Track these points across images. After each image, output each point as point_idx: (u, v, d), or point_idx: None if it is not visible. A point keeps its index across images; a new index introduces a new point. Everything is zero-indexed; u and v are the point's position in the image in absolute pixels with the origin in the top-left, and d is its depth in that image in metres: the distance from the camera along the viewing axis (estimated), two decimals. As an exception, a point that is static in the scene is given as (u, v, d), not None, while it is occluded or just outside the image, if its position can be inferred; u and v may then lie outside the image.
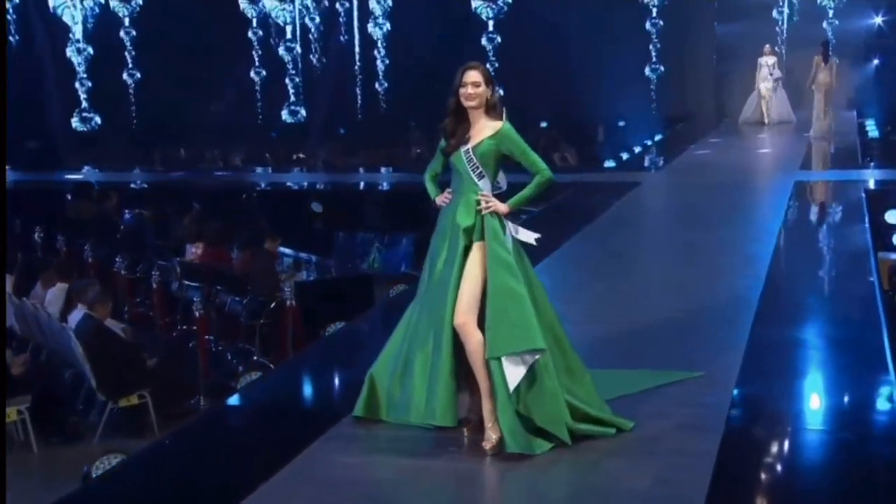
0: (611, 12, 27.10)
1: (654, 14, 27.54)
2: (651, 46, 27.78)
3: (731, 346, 7.94)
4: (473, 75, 6.25)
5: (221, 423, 7.45)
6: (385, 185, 21.05)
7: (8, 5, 28.18)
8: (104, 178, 23.40)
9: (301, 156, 25.99)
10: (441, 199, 6.45)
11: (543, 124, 25.86)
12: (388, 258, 17.55)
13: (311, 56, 29.91)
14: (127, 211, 19.30)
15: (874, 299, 9.38)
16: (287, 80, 29.13)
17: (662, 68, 27.89)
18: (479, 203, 6.25)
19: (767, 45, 25.82)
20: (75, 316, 11.23)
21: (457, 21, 27.34)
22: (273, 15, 28.66)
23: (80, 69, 27.84)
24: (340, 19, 30.15)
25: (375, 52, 29.52)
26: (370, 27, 29.11)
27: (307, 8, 29.07)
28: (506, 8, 26.37)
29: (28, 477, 9.66)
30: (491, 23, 26.73)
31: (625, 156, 22.56)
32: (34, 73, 28.04)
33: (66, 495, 6.11)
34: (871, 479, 5.82)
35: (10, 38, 28.62)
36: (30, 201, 19.55)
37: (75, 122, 27.94)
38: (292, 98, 29.16)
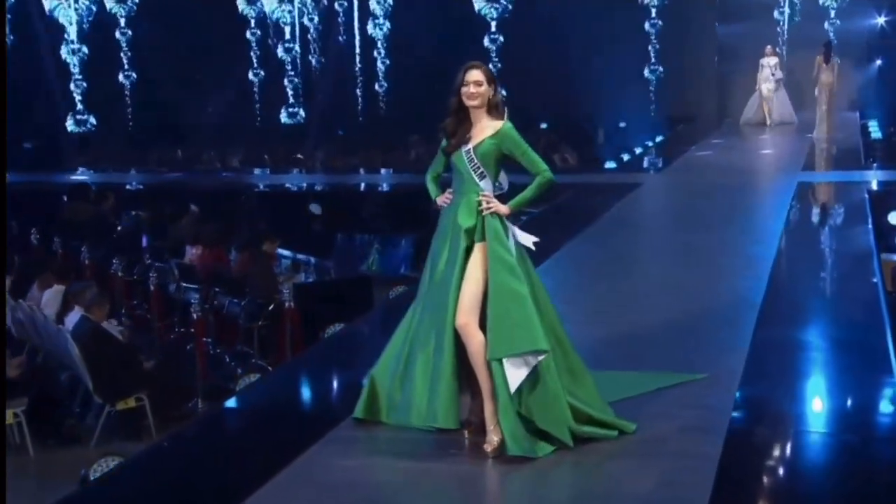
0: (612, 13, 27.07)
1: (655, 15, 27.50)
2: (651, 47, 27.75)
3: (734, 348, 7.92)
4: (476, 74, 6.23)
5: (220, 425, 7.43)
6: (384, 187, 21.00)
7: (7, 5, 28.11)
8: (101, 179, 23.32)
9: (300, 156, 25.93)
10: (442, 200, 6.42)
11: (543, 125, 25.81)
12: (388, 260, 17.50)
13: (309, 57, 29.85)
14: (133, 212, 19.21)
15: (877, 301, 9.35)
16: (286, 81, 29.07)
17: (661, 69, 27.86)
18: (480, 204, 6.22)
19: (769, 46, 25.76)
20: (72, 318, 11.19)
21: (457, 22, 27.31)
22: (272, 15, 28.58)
23: (76, 70, 27.76)
24: (339, 19, 30.08)
25: (375, 52, 29.47)
26: (370, 27, 29.06)
27: (306, 7, 28.96)
28: (510, 7, 26.30)
29: (25, 480, 9.60)
30: (493, 23, 26.66)
31: (626, 157, 22.52)
32: (30, 73, 27.94)
33: (64, 497, 6.09)
34: (875, 482, 5.80)
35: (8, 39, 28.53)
36: (26, 203, 19.47)
37: (70, 124, 27.85)
38: (291, 99, 29.10)
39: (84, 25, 27.57)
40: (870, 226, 13.00)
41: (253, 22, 29.12)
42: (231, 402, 7.71)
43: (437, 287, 6.24)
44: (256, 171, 24.24)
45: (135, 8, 27.92)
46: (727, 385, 7.11)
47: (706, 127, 27.41)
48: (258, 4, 28.46)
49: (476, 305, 6.08)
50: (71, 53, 27.56)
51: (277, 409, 7.39)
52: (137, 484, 6.30)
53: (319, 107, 29.51)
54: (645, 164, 21.80)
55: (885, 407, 7.08)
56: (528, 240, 6.37)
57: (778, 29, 28.45)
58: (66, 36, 27.62)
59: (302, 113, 29.28)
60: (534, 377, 5.98)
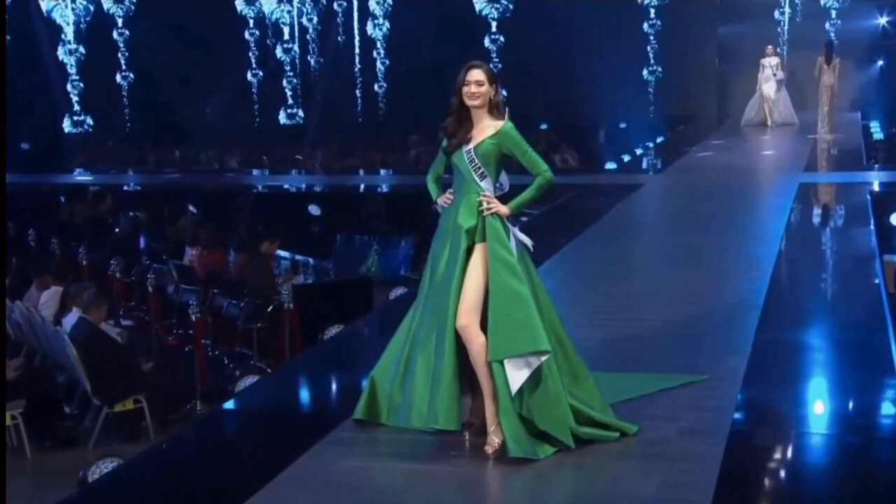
0: (612, 13, 27.03)
1: (656, 16, 27.46)
2: (652, 48, 27.72)
3: (736, 349, 7.91)
4: (477, 74, 6.20)
5: (219, 427, 7.41)
6: (384, 188, 20.96)
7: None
8: (98, 180, 23.27)
9: (299, 157, 25.89)
10: (442, 200, 6.40)
11: (544, 126, 25.77)
12: (387, 261, 17.46)
13: (308, 57, 29.80)
14: (131, 213, 19.16)
15: (880, 302, 9.35)
16: (284, 82, 29.03)
17: (660, 70, 27.82)
18: (480, 204, 6.19)
19: (770, 46, 25.67)
20: (70, 319, 11.14)
21: (457, 22, 27.26)
22: (270, 16, 28.51)
23: (73, 70, 27.68)
24: (338, 20, 30.02)
25: (375, 53, 29.42)
26: (369, 28, 29.01)
27: (305, 7, 28.90)
28: (511, 6, 26.27)
29: (22, 482, 9.55)
30: (493, 24, 26.62)
31: (626, 158, 22.46)
32: (27, 73, 27.89)
33: (63, 500, 6.08)
34: (878, 483, 5.80)
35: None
36: (24, 204, 19.42)
37: (67, 125, 27.78)
38: (290, 100, 29.05)
39: (81, 25, 27.48)
40: (872, 227, 12.98)
41: (252, 22, 29.04)
42: (230, 404, 7.69)
43: (437, 288, 6.21)
44: (255, 172, 24.20)
45: (132, 8, 27.83)
46: (729, 386, 7.10)
47: (707, 127, 27.40)
48: (257, 4, 28.37)
49: (477, 306, 6.05)
50: (68, 54, 27.47)
51: (277, 411, 7.38)
52: (137, 486, 6.29)
53: (318, 107, 29.48)
54: (646, 165, 21.77)
55: (887, 408, 7.07)
56: (526, 241, 6.36)
57: (778, 29, 28.39)
58: (63, 36, 27.52)
59: (301, 114, 29.23)
60: (535, 378, 5.96)
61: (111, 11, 27.60)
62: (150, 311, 14.16)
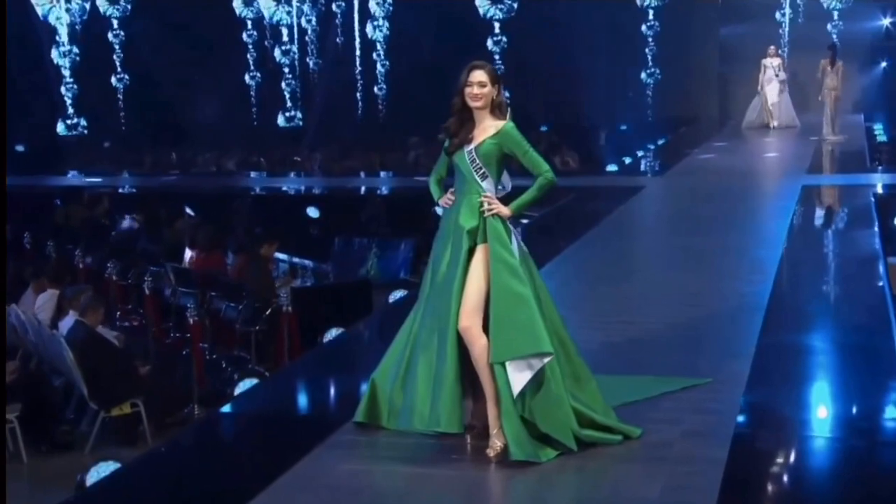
0: (613, 14, 27.00)
1: (657, 17, 27.41)
2: (651, 50, 27.68)
3: (739, 352, 7.90)
4: (479, 75, 6.18)
5: (217, 431, 7.40)
6: (383, 190, 20.90)
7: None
8: (95, 182, 23.21)
9: (297, 159, 25.84)
10: (444, 201, 6.40)
11: (544, 128, 25.71)
12: (386, 264, 17.40)
13: (307, 59, 29.75)
14: (127, 216, 19.08)
15: (884, 305, 9.35)
16: (283, 84, 28.98)
17: (663, 71, 27.79)
18: (481, 205, 6.17)
19: (772, 47, 25.59)
20: (66, 322, 11.10)
21: (457, 23, 27.22)
22: (269, 17, 28.44)
23: (67, 73, 27.59)
24: (337, 20, 29.97)
25: (375, 54, 29.37)
26: (369, 29, 28.96)
27: (304, 9, 28.85)
28: (515, 5, 26.23)
29: (18, 487, 9.47)
30: (497, 25, 26.58)
31: (627, 160, 22.40)
32: (23, 75, 27.80)
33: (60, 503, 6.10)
34: (882, 488, 5.79)
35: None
36: (19, 206, 19.35)
37: (61, 128, 27.69)
38: (288, 102, 29.00)
39: (77, 27, 27.39)
40: (875, 229, 12.96)
41: (250, 24, 28.98)
42: (229, 407, 7.67)
43: (438, 289, 6.19)
44: (253, 174, 24.15)
45: (129, 7, 27.75)
46: (732, 389, 7.09)
47: (708, 129, 27.37)
48: (255, 5, 28.30)
49: (479, 308, 6.04)
50: (62, 56, 27.37)
51: (276, 415, 7.38)
52: (135, 490, 6.29)
53: (317, 109, 29.43)
54: (647, 167, 21.72)
55: (891, 412, 7.09)
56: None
57: (780, 30, 28.32)
58: (57, 38, 27.43)
59: (299, 115, 29.17)
60: (537, 381, 5.94)
61: (108, 13, 27.53)
62: (147, 314, 14.10)
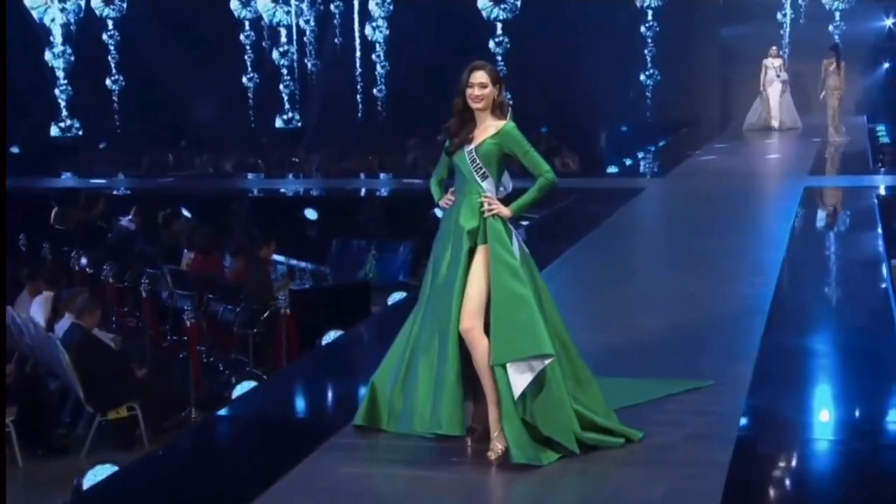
0: (613, 15, 26.98)
1: (657, 18, 27.39)
2: (652, 51, 27.66)
3: (742, 355, 7.90)
4: (480, 76, 6.15)
5: (215, 434, 7.39)
6: (382, 192, 20.86)
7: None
8: (91, 184, 23.14)
9: (295, 160, 25.79)
10: (444, 202, 6.38)
11: (544, 129, 25.66)
12: (385, 266, 17.36)
13: (306, 60, 29.73)
14: (126, 217, 19.00)
15: (887, 307, 9.38)
16: (281, 86, 28.95)
17: (663, 72, 27.77)
18: (482, 205, 6.15)
19: (774, 47, 25.56)
20: (62, 325, 11.04)
21: (456, 25, 27.20)
22: (267, 18, 28.40)
23: (61, 74, 27.53)
24: (336, 21, 29.94)
25: (374, 56, 29.35)
26: (368, 31, 28.94)
27: (302, 10, 28.81)
28: (518, 4, 26.20)
29: (14, 491, 9.41)
30: (499, 26, 26.56)
31: (628, 161, 22.35)
32: (19, 76, 27.75)
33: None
34: (885, 490, 5.79)
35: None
36: (14, 208, 19.28)
37: (55, 130, 27.63)
38: (286, 103, 28.97)
39: (71, 27, 27.33)
40: (879, 231, 12.96)
41: (248, 25, 28.93)
42: (226, 411, 7.64)
43: (439, 291, 6.17)
44: (251, 175, 24.11)
45: (124, 8, 27.70)
46: (735, 392, 7.09)
47: (709, 131, 27.37)
48: (252, 6, 28.24)
49: (480, 309, 6.01)
50: (56, 57, 27.29)
51: (274, 418, 7.36)
52: (132, 494, 6.29)
53: (316, 111, 29.40)
54: (647, 168, 21.68)
55: (895, 415, 7.11)
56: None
57: (781, 31, 28.28)
58: (51, 39, 27.37)
59: (297, 117, 29.14)
60: (538, 383, 5.92)
61: (103, 14, 27.47)
62: (143, 317, 14.04)
